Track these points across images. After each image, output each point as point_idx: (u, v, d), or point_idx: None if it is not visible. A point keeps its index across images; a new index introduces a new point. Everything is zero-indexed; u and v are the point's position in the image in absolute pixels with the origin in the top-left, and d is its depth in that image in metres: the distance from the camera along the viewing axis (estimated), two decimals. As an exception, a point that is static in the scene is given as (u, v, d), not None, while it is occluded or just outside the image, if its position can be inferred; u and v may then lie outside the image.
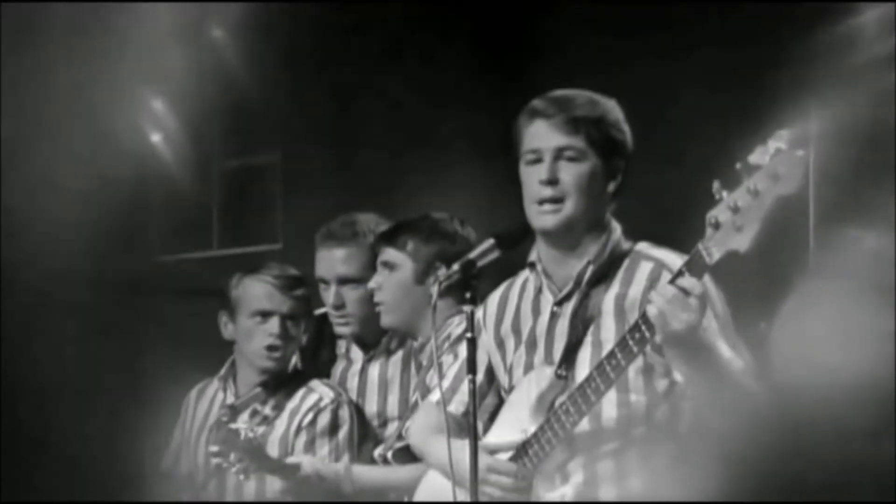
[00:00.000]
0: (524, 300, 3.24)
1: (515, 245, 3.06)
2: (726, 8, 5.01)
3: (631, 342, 2.92)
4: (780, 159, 2.69)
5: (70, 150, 5.90)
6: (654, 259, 3.12)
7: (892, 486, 3.61)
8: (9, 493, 5.04)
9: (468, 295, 2.91)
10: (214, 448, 3.68)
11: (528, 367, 3.17)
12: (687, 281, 2.81)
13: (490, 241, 3.04)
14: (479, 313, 3.29)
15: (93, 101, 6.00)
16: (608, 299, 3.11)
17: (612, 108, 3.16)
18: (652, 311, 2.83)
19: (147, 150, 6.66)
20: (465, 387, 3.23)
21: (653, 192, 4.51)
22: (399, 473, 3.66)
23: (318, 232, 4.06)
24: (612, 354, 2.95)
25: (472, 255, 3.02)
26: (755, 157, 2.72)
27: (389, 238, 3.87)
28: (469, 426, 3.00)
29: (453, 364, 3.39)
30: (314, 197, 5.99)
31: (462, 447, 2.99)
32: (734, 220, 2.73)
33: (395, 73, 6.03)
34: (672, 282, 2.83)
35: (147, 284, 6.57)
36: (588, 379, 2.99)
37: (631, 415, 3.06)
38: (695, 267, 2.82)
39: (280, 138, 6.72)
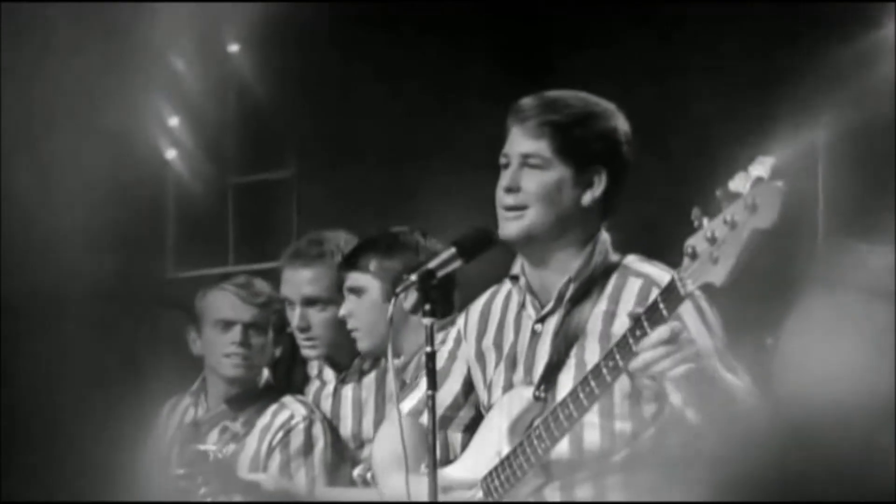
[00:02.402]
0: (508, 313, 3.08)
1: (478, 254, 2.91)
2: (739, 19, 4.91)
3: (605, 370, 2.76)
4: (759, 190, 2.52)
5: (84, 166, 5.88)
6: (643, 275, 2.94)
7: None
8: (8, 494, 4.99)
9: (427, 307, 2.78)
10: (180, 471, 3.60)
11: (508, 387, 3.02)
12: (662, 332, 2.64)
13: (451, 251, 2.90)
14: (460, 322, 3.16)
15: (108, 118, 5.98)
16: (594, 318, 2.94)
17: (600, 115, 2.97)
18: (655, 369, 2.66)
19: (162, 166, 6.66)
20: (440, 398, 3.08)
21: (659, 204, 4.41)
22: (368, 496, 3.55)
23: (285, 251, 3.99)
24: (586, 381, 2.79)
25: (432, 264, 2.87)
26: (735, 185, 2.55)
27: (351, 262, 3.75)
28: (437, 440, 2.84)
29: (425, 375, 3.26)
30: (329, 213, 5.94)
31: (421, 482, 2.84)
32: (711, 252, 2.56)
33: (410, 89, 5.97)
34: (641, 334, 2.67)
35: (161, 301, 6.53)
36: (562, 404, 2.83)
37: (614, 442, 2.90)
38: (670, 297, 2.65)
39: (294, 154, 6.69)
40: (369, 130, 6.24)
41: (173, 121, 6.56)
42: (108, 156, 5.96)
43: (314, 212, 6.34)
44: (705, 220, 2.58)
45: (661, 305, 2.66)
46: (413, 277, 2.83)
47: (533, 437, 2.87)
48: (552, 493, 2.92)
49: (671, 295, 2.65)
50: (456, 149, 5.82)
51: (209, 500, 3.64)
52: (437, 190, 5.57)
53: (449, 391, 3.14)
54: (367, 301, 3.71)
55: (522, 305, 3.04)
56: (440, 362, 3.16)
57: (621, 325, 2.87)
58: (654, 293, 2.83)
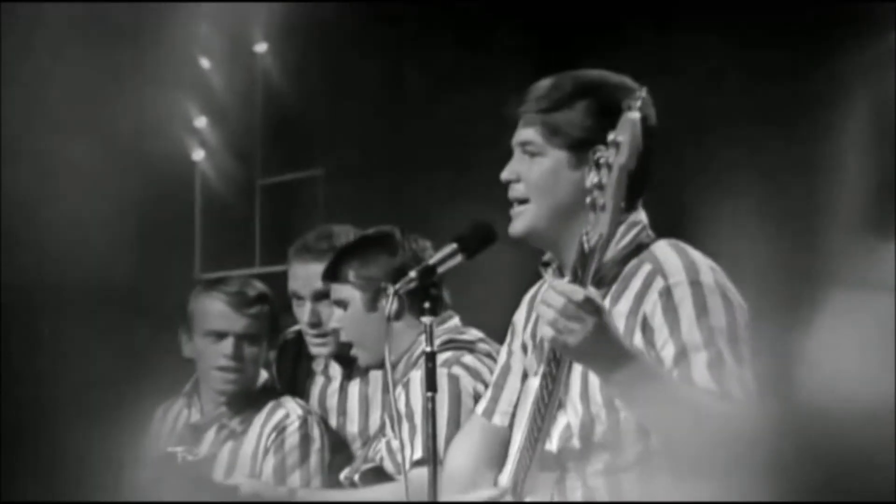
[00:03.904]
0: None
1: (481, 249, 2.83)
2: (771, 8, 4.82)
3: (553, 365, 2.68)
4: (620, 126, 2.52)
5: (112, 167, 5.86)
6: (655, 262, 2.80)
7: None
8: (8, 494, 4.96)
9: (427, 305, 2.70)
10: (148, 474, 3.52)
11: (534, 375, 2.90)
12: (566, 287, 2.54)
13: (452, 246, 2.82)
14: (515, 316, 3.07)
15: (135, 118, 5.97)
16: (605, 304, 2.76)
17: (598, 91, 2.86)
18: (546, 332, 2.55)
19: (189, 167, 6.64)
20: (506, 396, 3.04)
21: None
22: (355, 496, 3.48)
23: (292, 246, 3.92)
24: (549, 362, 2.71)
25: (432, 260, 2.80)
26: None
27: (331, 274, 3.68)
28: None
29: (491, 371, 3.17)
30: (356, 213, 5.87)
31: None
32: (599, 200, 2.52)
33: (439, 89, 5.91)
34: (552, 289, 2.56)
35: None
36: (540, 387, 2.75)
37: (620, 433, 2.78)
38: (579, 257, 2.58)
39: (322, 154, 6.63)
40: (398, 130, 6.18)
41: (200, 121, 6.54)
42: (136, 157, 5.94)
43: (341, 212, 6.26)
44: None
45: (577, 267, 2.59)
46: (412, 274, 2.76)
47: (533, 426, 2.79)
48: (572, 483, 2.82)
49: (580, 254, 2.58)
50: (488, 151, 5.73)
51: None
52: (469, 191, 5.50)
53: (512, 388, 3.05)
54: (350, 313, 3.65)
55: None
56: (501, 358, 3.11)
57: (619, 311, 2.78)
58: (658, 281, 2.76)
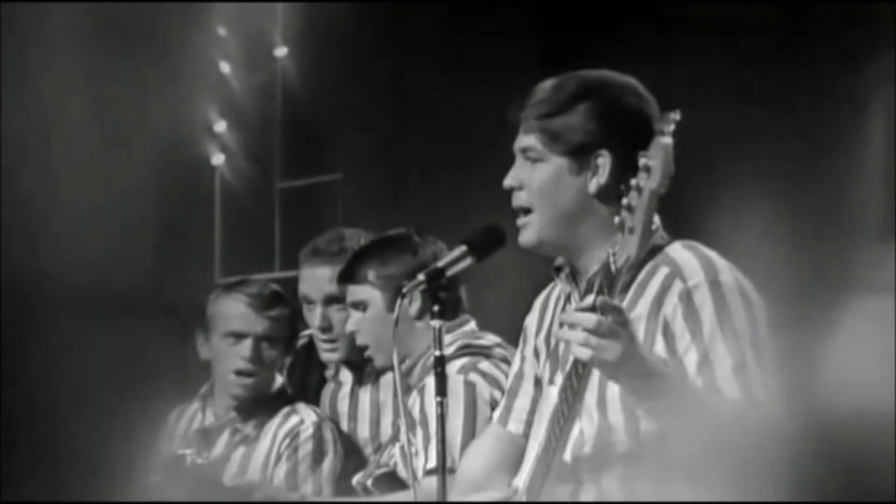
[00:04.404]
0: (559, 306, 2.95)
1: (491, 252, 2.81)
2: (772, 8, 4.79)
3: (574, 378, 2.64)
4: (652, 150, 2.47)
5: (131, 171, 5.86)
6: (672, 264, 2.76)
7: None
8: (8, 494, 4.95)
9: (436, 308, 2.67)
10: (156, 477, 3.47)
11: (550, 383, 2.89)
12: (606, 303, 2.50)
13: (461, 248, 2.80)
14: (526, 320, 3.05)
15: (155, 122, 5.96)
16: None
17: (597, 93, 2.82)
18: (581, 353, 2.51)
19: (209, 171, 6.64)
20: (520, 403, 3.01)
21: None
22: None
23: (303, 250, 3.90)
24: (568, 373, 2.67)
25: (441, 263, 2.78)
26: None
27: (349, 276, 3.63)
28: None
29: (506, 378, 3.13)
30: (376, 217, 5.86)
31: None
32: (629, 223, 2.49)
33: (459, 92, 5.89)
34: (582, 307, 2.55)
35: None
36: (559, 400, 2.70)
37: (640, 442, 2.75)
38: (605, 277, 2.55)
39: (341, 158, 6.62)
40: (418, 134, 6.16)
41: (220, 125, 6.55)
42: (155, 160, 5.94)
43: (361, 216, 6.25)
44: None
45: (604, 286, 2.56)
46: (421, 277, 2.74)
47: (551, 436, 2.75)
48: (587, 494, 2.78)
49: (607, 274, 2.55)
50: (506, 157, 5.70)
51: None
52: (488, 195, 5.47)
53: (526, 395, 3.03)
54: (371, 314, 3.60)
55: (568, 299, 2.92)
56: (514, 365, 3.07)
57: (637, 315, 2.74)
58: (677, 284, 2.73)
